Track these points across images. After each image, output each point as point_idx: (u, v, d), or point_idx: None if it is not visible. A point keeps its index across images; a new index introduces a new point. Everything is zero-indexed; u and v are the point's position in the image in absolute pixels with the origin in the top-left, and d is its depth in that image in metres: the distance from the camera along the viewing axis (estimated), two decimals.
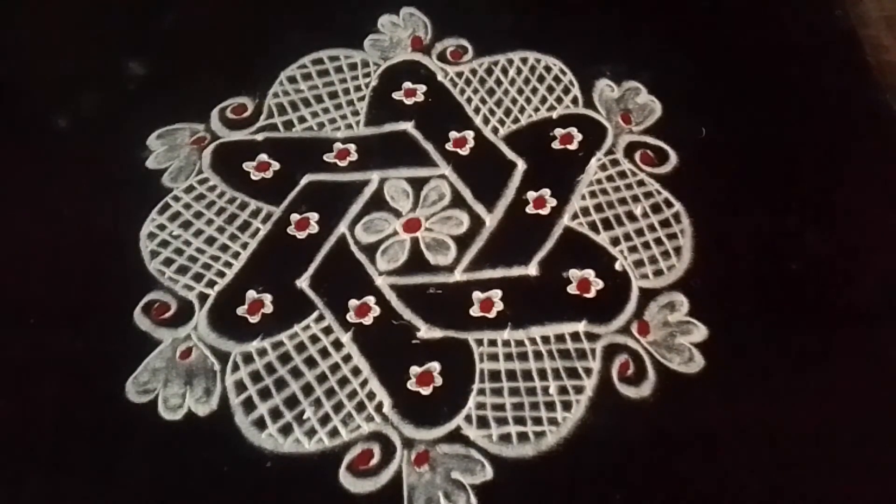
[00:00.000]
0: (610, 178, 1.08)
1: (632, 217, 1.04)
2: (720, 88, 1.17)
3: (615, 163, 1.09)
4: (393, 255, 1.02)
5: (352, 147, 1.12)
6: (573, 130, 1.13)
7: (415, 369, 0.93)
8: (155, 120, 1.15)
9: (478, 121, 1.14)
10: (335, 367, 0.94)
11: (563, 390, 0.91)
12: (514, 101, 1.16)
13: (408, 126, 1.14)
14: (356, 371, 0.93)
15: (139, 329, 0.97)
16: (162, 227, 1.05)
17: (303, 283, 1.00)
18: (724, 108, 1.15)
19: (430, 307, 0.98)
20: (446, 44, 1.23)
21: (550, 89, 1.17)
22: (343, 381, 0.93)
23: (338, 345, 0.95)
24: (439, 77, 1.19)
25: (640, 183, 1.07)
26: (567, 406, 0.90)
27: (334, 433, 0.89)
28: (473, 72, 1.19)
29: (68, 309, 0.99)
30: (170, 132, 1.14)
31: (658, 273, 0.99)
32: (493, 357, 0.94)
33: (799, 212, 1.05)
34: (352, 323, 0.97)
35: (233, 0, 1.32)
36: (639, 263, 1.00)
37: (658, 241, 1.02)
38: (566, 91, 1.17)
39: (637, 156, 1.10)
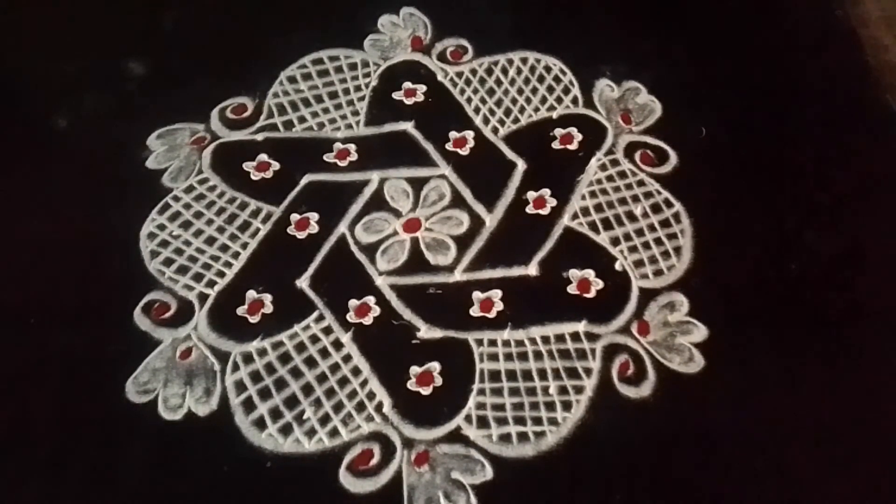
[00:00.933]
0: (610, 178, 1.08)
1: (632, 217, 1.04)
2: (720, 88, 1.17)
3: (615, 163, 1.09)
4: (393, 255, 1.02)
5: (352, 147, 1.12)
6: (573, 130, 1.13)
7: (415, 369, 0.93)
8: (155, 120, 1.15)
9: (478, 121, 1.14)
10: (335, 367, 0.94)
11: (563, 390, 0.91)
12: (514, 101, 1.16)
13: (408, 126, 1.14)
14: (356, 371, 0.93)
15: (139, 329, 0.97)
16: (162, 227, 1.05)
17: (303, 283, 1.00)
18: (724, 108, 1.15)
19: (430, 307, 0.98)
20: (446, 44, 1.23)
21: (550, 89, 1.17)
22: (343, 381, 0.93)
23: (338, 345, 0.95)
24: (439, 77, 1.19)
25: (640, 183, 1.07)
26: (567, 406, 0.90)
27: (334, 433, 0.89)
28: (473, 72, 1.19)
29: (68, 309, 0.99)
30: (170, 132, 1.14)
31: (658, 273, 0.99)
32: (493, 357, 0.94)
33: (799, 212, 1.05)
34: (352, 323, 0.97)
35: (233, 0, 1.32)
36: (639, 263, 1.00)
37: (658, 241, 1.02)
38: (566, 91, 1.17)
39: (637, 156, 1.10)
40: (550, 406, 0.90)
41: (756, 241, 1.02)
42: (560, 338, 0.95)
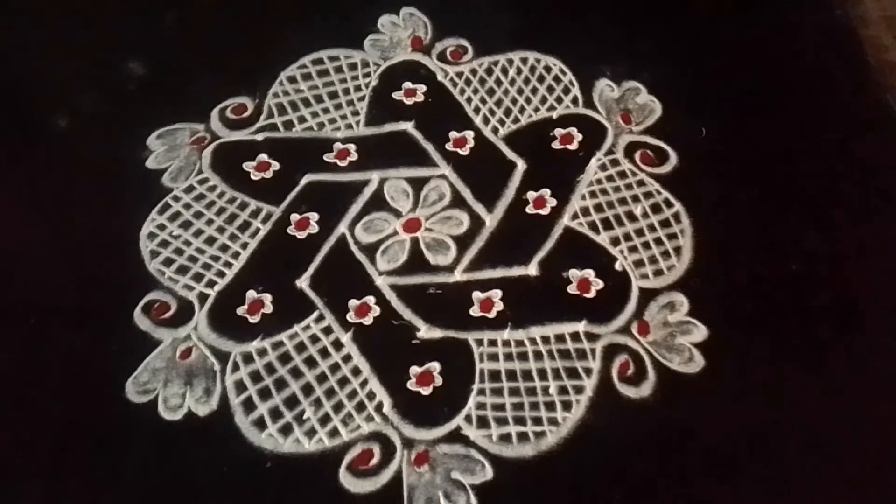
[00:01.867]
0: (610, 178, 1.08)
1: (632, 217, 1.04)
2: (720, 88, 1.17)
3: (615, 163, 1.09)
4: (393, 255, 1.02)
5: (352, 147, 1.12)
6: (573, 130, 1.13)
7: (415, 369, 0.93)
8: (155, 120, 1.15)
9: (478, 121, 1.14)
10: (335, 367, 0.94)
11: (563, 390, 0.91)
12: (514, 101, 1.16)
13: (408, 126, 1.14)
14: (356, 371, 0.93)
15: (139, 329, 0.97)
16: (162, 227, 1.05)
17: (303, 283, 1.00)
18: (724, 108, 1.15)
19: (430, 307, 0.98)
20: (446, 44, 1.23)
21: (550, 89, 1.17)
22: (343, 381, 0.93)
23: (338, 345, 0.95)
24: (439, 77, 1.19)
25: (640, 183, 1.07)
26: (567, 406, 0.90)
27: (334, 433, 0.89)
28: (473, 72, 1.19)
29: (68, 309, 0.99)
30: (170, 132, 1.14)
31: (658, 273, 0.99)
32: (493, 357, 0.94)
33: (799, 212, 1.05)
34: (352, 323, 0.97)
35: (233, 0, 1.32)
36: (639, 263, 1.00)
37: (658, 241, 1.02)
38: (566, 91, 1.17)
39: (637, 156, 1.10)
40: (550, 406, 0.90)
41: (756, 241, 1.02)
42: (560, 338, 0.95)
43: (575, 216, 1.04)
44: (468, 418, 0.90)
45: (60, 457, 0.89)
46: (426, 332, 0.96)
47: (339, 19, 1.27)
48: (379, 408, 0.91)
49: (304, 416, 0.90)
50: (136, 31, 1.27)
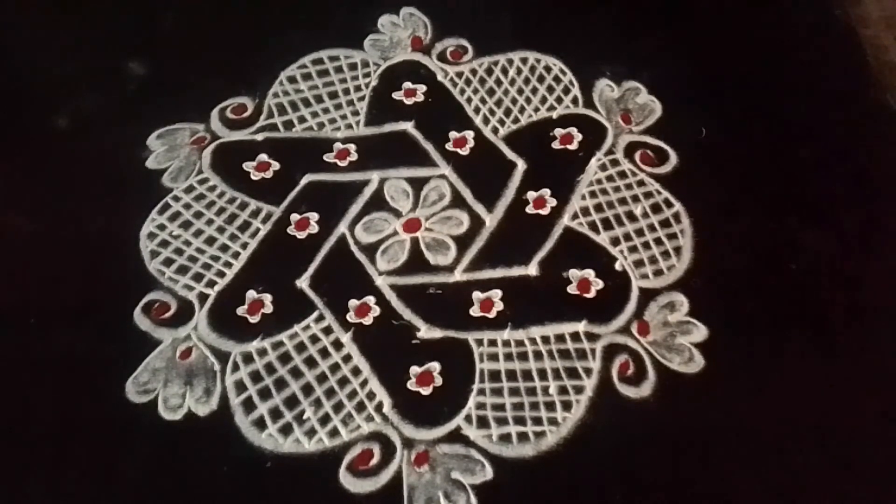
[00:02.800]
0: (610, 178, 1.08)
1: (632, 217, 1.04)
2: (720, 88, 1.17)
3: (615, 163, 1.09)
4: (393, 255, 1.02)
5: (352, 147, 1.12)
6: (573, 130, 1.13)
7: (415, 369, 0.93)
8: (155, 120, 1.15)
9: (478, 121, 1.14)
10: (335, 367, 0.94)
11: (563, 390, 0.91)
12: (514, 101, 1.16)
13: (408, 126, 1.14)
14: (356, 371, 0.93)
15: (139, 329, 0.97)
16: (162, 227, 1.05)
17: (303, 283, 1.00)
18: (724, 108, 1.15)
19: (430, 307, 0.98)
20: (446, 44, 1.23)
21: (550, 89, 1.17)
22: (343, 381, 0.93)
23: (338, 345, 0.95)
24: (439, 77, 1.19)
25: (640, 183, 1.07)
26: (567, 406, 0.90)
27: (334, 433, 0.89)
28: (473, 72, 1.19)
29: (68, 309, 0.99)
30: (170, 132, 1.14)
31: (658, 273, 0.99)
32: (493, 357, 0.94)
33: (799, 212, 1.05)
34: (352, 323, 0.97)
35: (233, 0, 1.32)
36: (639, 263, 1.00)
37: (658, 241, 1.02)
38: (566, 91, 1.17)
39: (637, 156, 1.10)
40: (550, 406, 0.90)
41: (756, 241, 1.02)
42: (560, 338, 0.95)
43: (575, 216, 1.04)
44: (468, 418, 0.90)
45: (60, 457, 0.89)
46: (426, 332, 0.96)
47: (339, 19, 1.27)
48: (379, 408, 0.91)
49: (304, 416, 0.90)
50: (136, 31, 1.27)
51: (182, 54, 1.24)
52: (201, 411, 0.91)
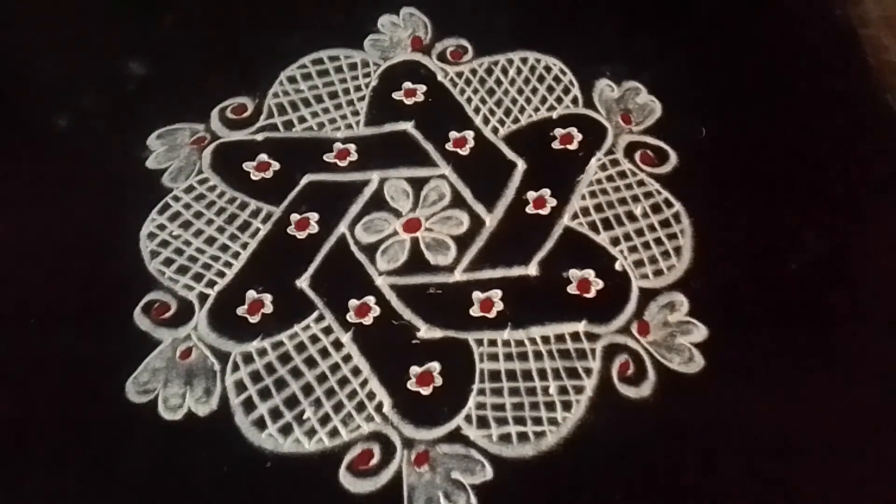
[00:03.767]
0: (610, 178, 1.08)
1: (632, 217, 1.04)
2: (720, 88, 1.17)
3: (615, 163, 1.09)
4: (393, 255, 1.02)
5: (352, 147, 1.12)
6: (573, 130, 1.13)
7: (415, 369, 0.93)
8: (155, 120, 1.15)
9: (478, 121, 1.14)
10: (335, 367, 0.94)
11: (563, 390, 0.91)
12: (514, 101, 1.16)
13: (408, 126, 1.14)
14: (356, 371, 0.93)
15: (139, 329, 0.97)
16: (162, 227, 1.05)
17: (303, 283, 1.00)
18: (724, 108, 1.15)
19: (430, 307, 0.98)
20: (446, 44, 1.23)
21: (550, 89, 1.17)
22: (343, 381, 0.93)
23: (338, 345, 0.95)
24: (439, 77, 1.19)
25: (640, 183, 1.07)
26: (567, 406, 0.90)
27: (334, 433, 0.89)
28: (473, 72, 1.19)
29: (68, 309, 0.99)
30: (170, 132, 1.14)
31: (658, 273, 0.99)
32: (493, 357, 0.94)
33: (799, 212, 1.05)
34: (352, 323, 0.97)
35: (233, 0, 1.32)
36: (639, 263, 1.00)
37: (658, 241, 1.02)
38: (566, 91, 1.17)
39: (637, 156, 1.10)
40: (550, 406, 0.90)
41: (756, 242, 1.02)
42: (560, 338, 0.95)
43: (575, 216, 1.04)
44: (468, 418, 0.90)
45: (60, 457, 0.89)
46: (426, 332, 0.96)
47: (339, 19, 1.27)
48: (379, 408, 0.91)
49: (304, 416, 0.90)
50: (136, 31, 1.27)
51: (182, 54, 1.24)
52: (201, 411, 0.91)
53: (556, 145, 1.11)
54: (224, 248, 1.03)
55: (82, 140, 1.15)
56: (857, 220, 1.04)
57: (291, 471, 0.87)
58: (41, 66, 1.24)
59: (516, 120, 1.14)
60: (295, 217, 1.06)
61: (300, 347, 0.95)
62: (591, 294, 0.98)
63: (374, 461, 0.87)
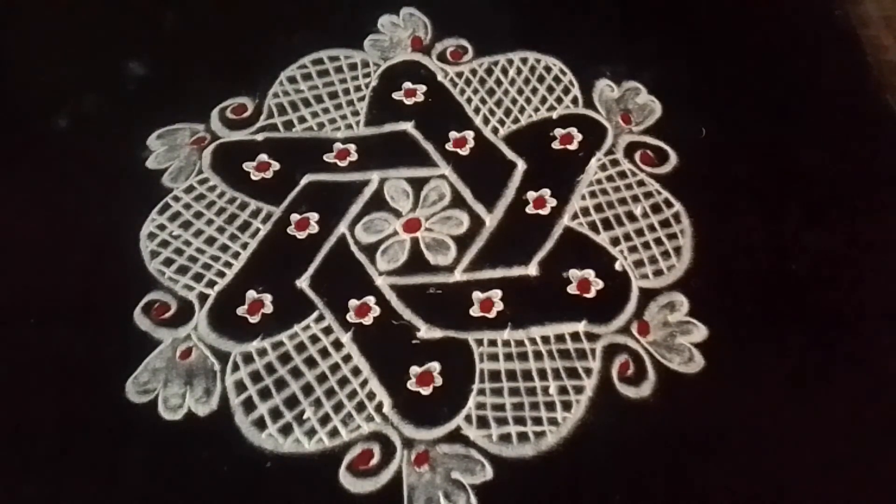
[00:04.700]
0: (610, 178, 1.08)
1: (632, 217, 1.04)
2: (720, 88, 1.17)
3: (615, 163, 1.09)
4: (393, 255, 1.02)
5: (352, 147, 1.12)
6: (573, 130, 1.13)
7: (415, 369, 0.93)
8: (155, 120, 1.15)
9: (478, 121, 1.14)
10: (335, 368, 0.94)
11: (563, 390, 0.91)
12: (514, 102, 1.16)
13: (408, 126, 1.14)
14: (356, 371, 0.93)
15: (139, 329, 0.97)
16: (162, 228, 1.05)
17: (303, 283, 1.00)
18: (724, 108, 1.15)
19: (430, 307, 0.98)
20: (446, 44, 1.23)
21: (550, 89, 1.17)
22: (343, 382, 0.93)
23: (338, 345, 0.95)
24: (439, 77, 1.19)
25: (640, 183, 1.07)
26: (567, 406, 0.90)
27: (334, 433, 0.89)
28: (473, 72, 1.19)
29: (68, 309, 0.99)
30: (170, 132, 1.14)
31: (658, 273, 0.99)
32: (493, 357, 0.94)
33: (799, 212, 1.05)
34: (352, 323, 0.97)
35: (233, 0, 1.32)
36: (639, 263, 1.00)
37: (658, 241, 1.02)
38: (566, 91, 1.17)
39: (637, 156, 1.10)
40: (550, 406, 0.90)
41: (756, 241, 1.02)
42: (560, 338, 0.95)
43: (575, 216, 1.04)
44: (468, 418, 0.90)
45: (60, 457, 0.89)
46: (426, 332, 0.96)
47: (338, 19, 1.27)
48: (379, 408, 0.91)
49: (304, 416, 0.90)
50: (136, 31, 1.27)
51: (182, 54, 1.24)
52: (201, 411, 0.91)
53: (556, 145, 1.11)
54: (224, 248, 1.03)
55: (82, 140, 1.15)
56: (858, 220, 1.04)
57: (291, 471, 0.87)
58: (41, 67, 1.24)
59: (516, 120, 1.14)
60: (295, 217, 1.06)
61: (300, 347, 0.95)
62: (591, 294, 0.98)
63: (374, 461, 0.87)
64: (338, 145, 1.13)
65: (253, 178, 1.10)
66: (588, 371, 0.92)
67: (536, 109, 1.15)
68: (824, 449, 0.88)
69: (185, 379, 0.93)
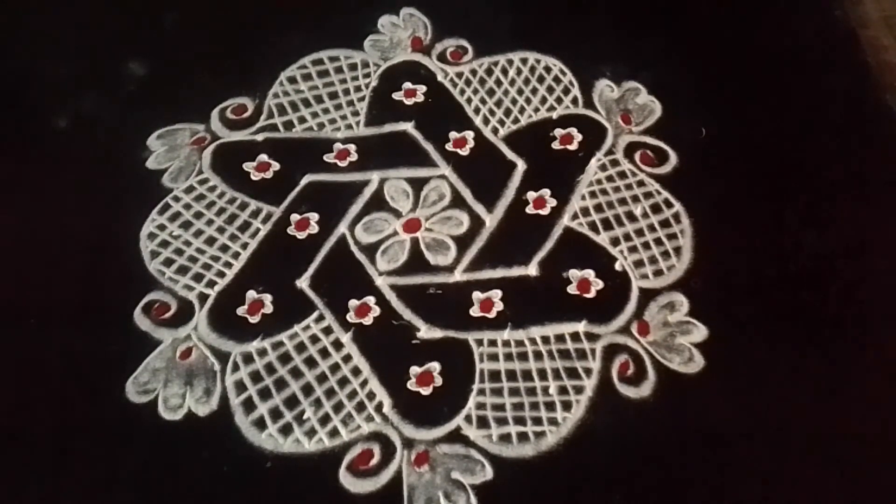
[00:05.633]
0: (610, 179, 1.08)
1: (632, 217, 1.04)
2: (720, 88, 1.17)
3: (615, 163, 1.09)
4: (393, 256, 1.02)
5: (352, 147, 1.12)
6: (573, 131, 1.13)
7: (415, 369, 0.93)
8: (155, 120, 1.15)
9: (478, 121, 1.14)
10: (335, 368, 0.94)
11: (563, 390, 0.91)
12: (514, 102, 1.16)
13: (408, 126, 1.14)
14: (356, 371, 0.93)
15: (139, 329, 0.97)
16: (162, 228, 1.05)
17: (303, 283, 1.00)
18: (724, 108, 1.15)
19: (430, 307, 0.98)
20: (446, 44, 1.23)
21: (550, 89, 1.17)
22: (343, 382, 0.93)
23: (338, 345, 0.95)
24: (439, 77, 1.19)
25: (640, 183, 1.07)
26: (567, 406, 0.90)
27: (334, 433, 0.89)
28: (473, 72, 1.19)
29: (68, 309, 0.99)
30: (170, 132, 1.14)
31: (658, 273, 0.99)
32: (493, 357, 0.94)
33: (799, 212, 1.05)
34: (352, 323, 0.97)
35: (233, 0, 1.32)
36: (639, 263, 1.00)
37: (658, 242, 1.02)
38: (566, 91, 1.17)
39: (637, 156, 1.10)
40: (550, 406, 0.90)
41: (756, 241, 1.02)
42: (560, 338, 0.95)
43: (575, 216, 1.04)
44: (468, 418, 0.90)
45: (60, 457, 0.89)
46: (426, 332, 0.96)
47: (339, 20, 1.27)
48: (379, 408, 0.91)
49: (304, 416, 0.90)
50: (136, 31, 1.27)
51: (182, 54, 1.24)
52: (201, 411, 0.91)
53: (556, 145, 1.12)
54: (224, 248, 1.03)
55: (82, 140, 1.15)
56: (857, 220, 1.04)
57: (291, 471, 0.87)
58: (41, 67, 1.24)
59: (516, 120, 1.14)
60: (295, 217, 1.06)
61: (300, 347, 0.95)
62: (591, 294, 0.98)
63: (374, 461, 0.87)
64: (338, 145, 1.13)
65: (253, 178, 1.10)
66: (588, 371, 0.92)
67: (536, 110, 1.15)
68: (824, 449, 0.88)
69: (185, 379, 0.93)
